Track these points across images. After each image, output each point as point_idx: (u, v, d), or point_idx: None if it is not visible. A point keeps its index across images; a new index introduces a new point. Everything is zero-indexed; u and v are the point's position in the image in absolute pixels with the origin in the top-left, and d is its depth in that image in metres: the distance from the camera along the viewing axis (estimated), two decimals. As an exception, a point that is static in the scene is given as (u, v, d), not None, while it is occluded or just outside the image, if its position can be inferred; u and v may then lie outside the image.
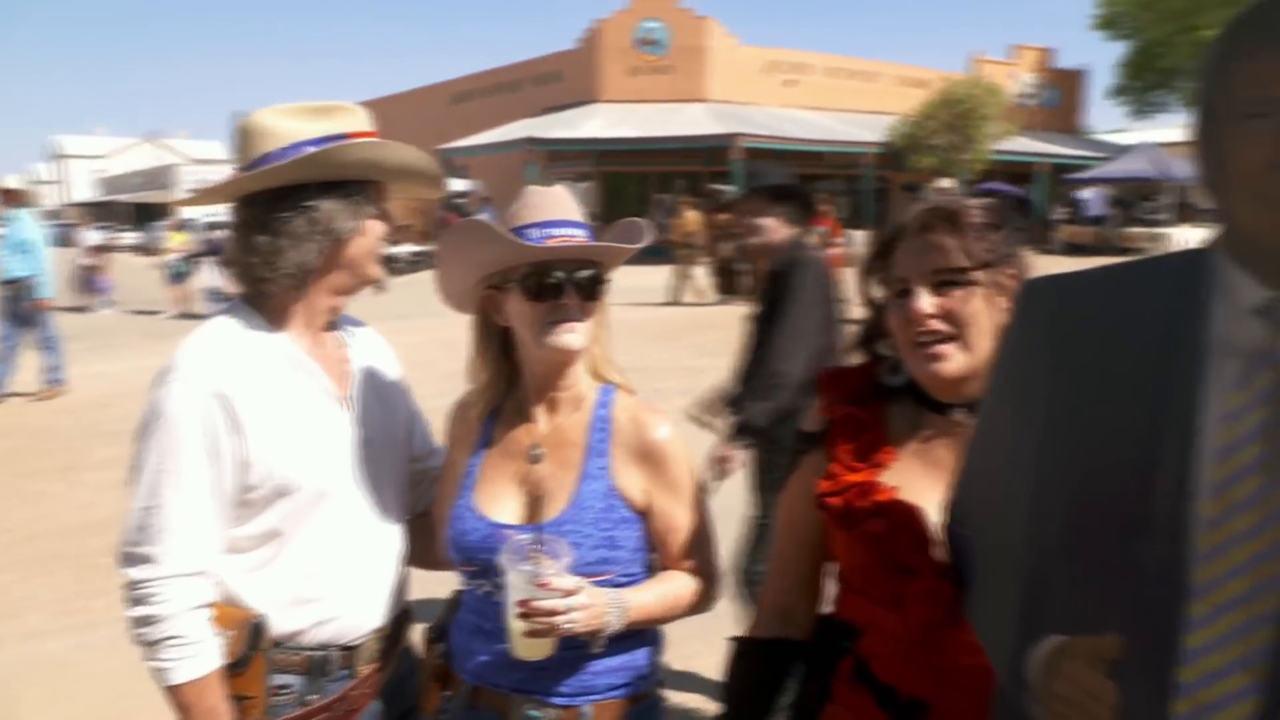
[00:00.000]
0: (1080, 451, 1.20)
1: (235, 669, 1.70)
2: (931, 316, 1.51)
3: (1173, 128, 35.73)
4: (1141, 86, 31.77)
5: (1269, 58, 1.05)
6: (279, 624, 1.75)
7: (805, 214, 3.95)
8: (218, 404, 1.68)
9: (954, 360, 1.52)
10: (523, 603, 1.60)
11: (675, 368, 9.46)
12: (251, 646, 1.71)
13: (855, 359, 1.73)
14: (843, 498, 1.58)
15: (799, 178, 4.02)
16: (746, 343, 3.88)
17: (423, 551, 1.97)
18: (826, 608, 1.75)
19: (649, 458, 1.77)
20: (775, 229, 3.85)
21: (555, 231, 1.74)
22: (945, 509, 1.46)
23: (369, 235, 1.84)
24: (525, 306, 1.74)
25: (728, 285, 16.53)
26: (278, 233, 1.76)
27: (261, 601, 1.74)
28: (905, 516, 1.53)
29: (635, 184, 26.13)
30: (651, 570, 1.80)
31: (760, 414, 3.58)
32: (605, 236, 1.80)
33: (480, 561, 1.74)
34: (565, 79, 28.98)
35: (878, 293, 1.63)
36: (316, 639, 1.78)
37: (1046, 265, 1.51)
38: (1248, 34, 1.08)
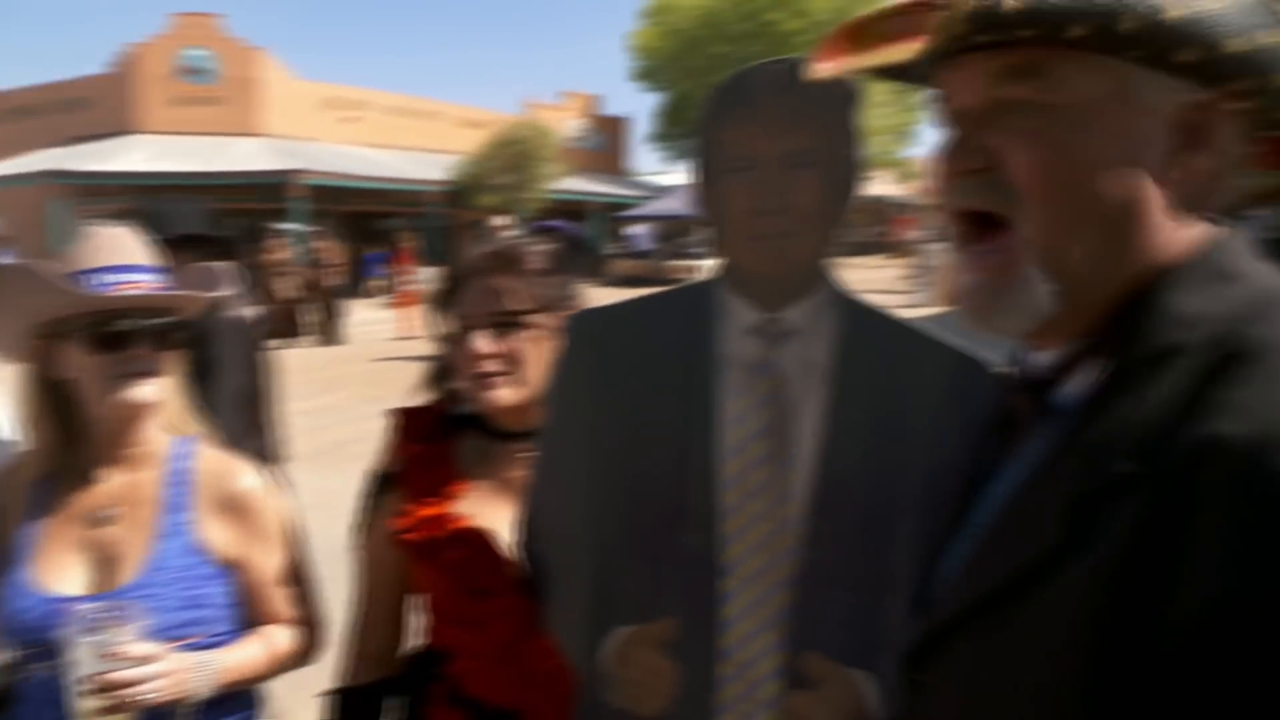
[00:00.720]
0: (629, 458, 1.37)
1: None
2: (489, 356, 1.60)
3: (702, 171, 39.82)
4: (674, 134, 35.09)
5: (744, 122, 1.29)
6: None
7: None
8: None
9: (507, 392, 1.62)
10: (91, 677, 1.47)
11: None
12: None
13: (426, 395, 1.78)
14: (419, 532, 1.62)
15: (212, 217, 3.64)
16: None
17: None
18: (414, 641, 1.78)
19: (235, 509, 1.70)
20: None
21: (122, 277, 1.62)
22: (517, 528, 1.57)
23: None
24: (90, 359, 1.60)
25: (282, 328, 15.70)
26: None
27: None
28: (480, 541, 1.61)
29: (185, 222, 24.29)
30: (249, 626, 1.72)
31: None
32: (181, 282, 1.71)
33: (40, 641, 1.56)
34: (96, 106, 26.12)
35: (447, 329, 1.71)
36: None
37: (604, 296, 1.69)
38: (726, 102, 1.32)
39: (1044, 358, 0.83)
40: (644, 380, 1.38)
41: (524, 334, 1.63)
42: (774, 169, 1.27)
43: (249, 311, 3.64)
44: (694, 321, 1.39)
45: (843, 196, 1.33)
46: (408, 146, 28.97)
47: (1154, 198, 0.75)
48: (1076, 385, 0.79)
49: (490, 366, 1.60)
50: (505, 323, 1.62)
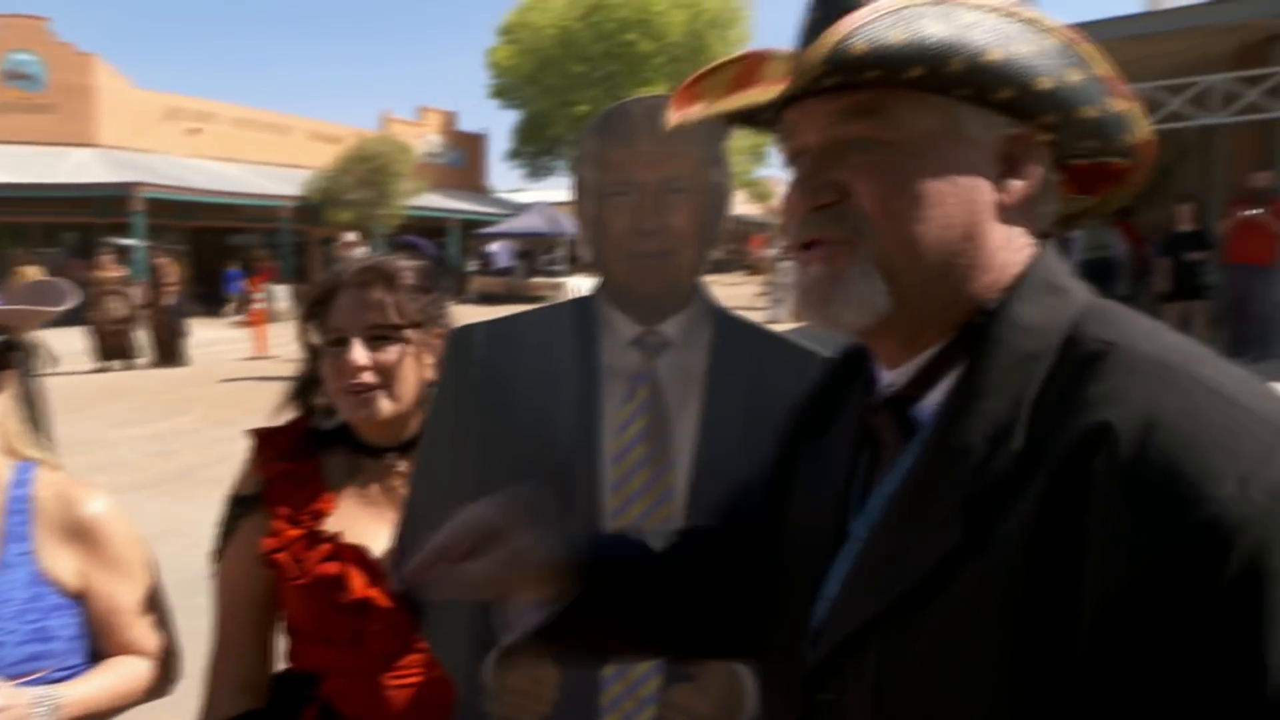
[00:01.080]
0: (512, 469, 1.38)
1: None
2: (363, 368, 1.61)
3: (561, 189, 40.17)
4: (532, 152, 35.17)
5: (622, 152, 1.38)
6: None
7: None
8: None
9: (380, 406, 1.62)
10: None
11: (82, 441, 8.50)
12: None
13: (289, 413, 1.76)
14: (289, 551, 1.59)
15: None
16: None
17: None
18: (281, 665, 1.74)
19: (82, 536, 1.63)
20: None
21: None
22: (394, 542, 1.56)
23: None
24: None
25: (115, 348, 14.88)
26: None
27: None
28: (354, 557, 1.59)
29: (14, 237, 22.81)
30: (99, 658, 1.64)
31: None
32: (14, 298, 1.64)
33: None
34: (-91, 112, 24.36)
35: (315, 340, 1.70)
36: None
37: (463, 314, 1.71)
38: (606, 133, 1.42)
39: (897, 375, 0.89)
40: (527, 393, 1.43)
41: (397, 349, 1.64)
42: (651, 194, 1.37)
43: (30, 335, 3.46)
44: (576, 335, 1.46)
45: (714, 218, 1.43)
46: (258, 160, 28.07)
47: (986, 220, 0.84)
48: (935, 397, 0.86)
49: (365, 379, 1.61)
50: (380, 336, 1.63)
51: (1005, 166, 0.84)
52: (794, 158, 0.89)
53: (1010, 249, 0.85)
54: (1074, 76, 0.83)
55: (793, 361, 1.44)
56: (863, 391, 0.96)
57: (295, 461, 1.67)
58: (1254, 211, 11.18)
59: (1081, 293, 0.85)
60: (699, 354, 1.44)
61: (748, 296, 20.80)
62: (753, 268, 33.39)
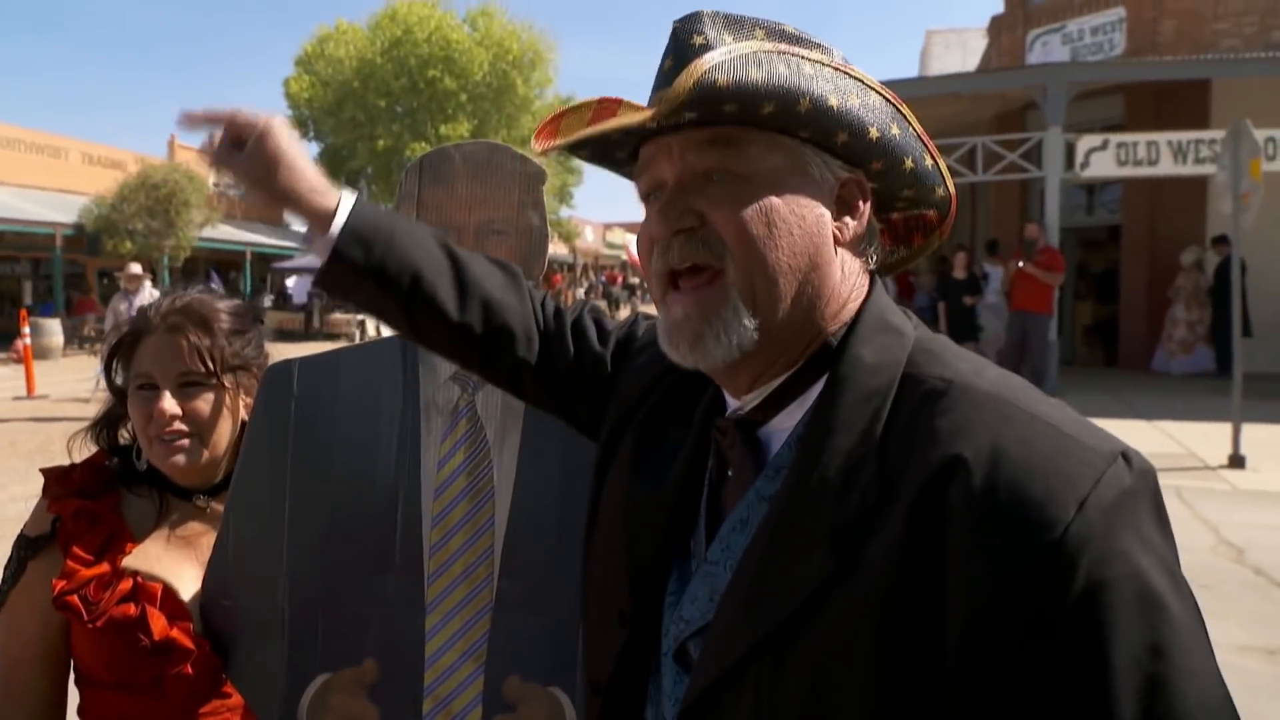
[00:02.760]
0: (329, 508, 1.41)
1: None
2: (175, 417, 1.55)
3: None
4: (332, 184, 34.08)
5: (442, 194, 1.46)
6: None
7: None
8: None
9: (191, 454, 1.57)
10: None
11: None
12: None
13: (83, 451, 1.67)
14: (83, 592, 1.51)
15: None
16: None
17: None
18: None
19: None
20: None
21: None
22: (204, 584, 1.53)
23: None
24: None
25: None
26: None
27: None
28: (155, 597, 1.53)
29: None
30: None
31: None
32: None
33: None
34: None
35: (120, 379, 1.63)
36: None
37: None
38: (427, 177, 1.49)
39: (746, 400, 0.96)
40: (347, 428, 1.44)
41: (211, 395, 1.58)
42: (470, 236, 1.44)
43: None
44: (398, 372, 1.49)
45: (533, 259, 1.50)
46: (25, 184, 25.91)
47: (828, 253, 0.93)
48: (781, 423, 0.94)
49: (175, 427, 1.55)
50: (192, 383, 1.57)
51: (841, 206, 0.94)
52: (649, 192, 0.96)
53: (848, 283, 0.95)
54: (895, 130, 0.94)
55: None
56: (707, 410, 1.02)
57: (91, 499, 1.59)
58: (1024, 264, 12.28)
59: (909, 329, 0.94)
60: None
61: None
62: (558, 306, 33.34)
